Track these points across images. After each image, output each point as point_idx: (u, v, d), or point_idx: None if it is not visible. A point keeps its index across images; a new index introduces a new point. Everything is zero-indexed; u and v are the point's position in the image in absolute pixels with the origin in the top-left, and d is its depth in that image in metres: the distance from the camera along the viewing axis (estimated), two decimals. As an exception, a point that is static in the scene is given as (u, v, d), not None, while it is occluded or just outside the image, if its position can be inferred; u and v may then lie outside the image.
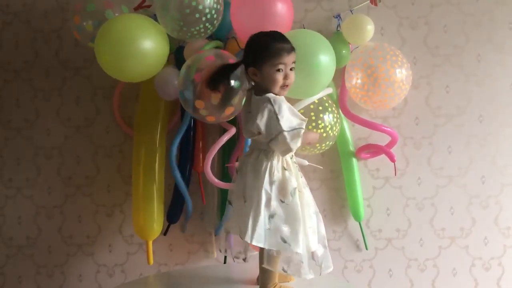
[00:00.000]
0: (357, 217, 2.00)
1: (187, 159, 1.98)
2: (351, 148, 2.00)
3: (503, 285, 2.03)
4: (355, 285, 1.58)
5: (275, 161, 1.41)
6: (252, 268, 1.57)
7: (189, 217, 2.02)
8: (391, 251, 2.04)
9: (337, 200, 2.05)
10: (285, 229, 1.36)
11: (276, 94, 1.39)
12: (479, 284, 2.03)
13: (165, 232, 2.05)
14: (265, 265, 1.39)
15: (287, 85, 1.41)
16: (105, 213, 2.11)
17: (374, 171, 2.05)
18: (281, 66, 1.39)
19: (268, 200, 1.37)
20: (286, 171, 1.41)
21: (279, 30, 1.46)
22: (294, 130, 1.36)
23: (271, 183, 1.39)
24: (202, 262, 2.08)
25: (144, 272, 2.09)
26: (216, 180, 1.86)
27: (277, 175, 1.40)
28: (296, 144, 1.37)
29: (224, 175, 2.00)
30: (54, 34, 2.12)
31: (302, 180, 1.46)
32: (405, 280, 2.04)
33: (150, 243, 1.98)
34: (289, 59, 1.39)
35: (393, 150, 1.93)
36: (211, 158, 1.86)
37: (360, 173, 2.01)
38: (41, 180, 2.13)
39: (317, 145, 1.86)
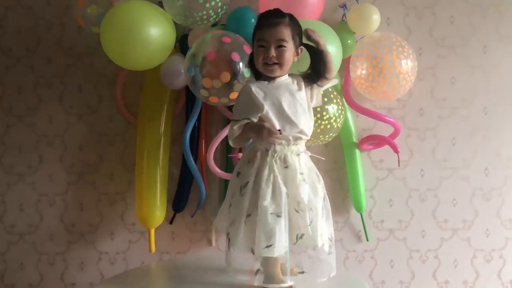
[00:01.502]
0: (358, 209, 2.00)
1: (191, 148, 1.98)
2: (354, 139, 2.00)
3: (503, 277, 2.04)
4: (356, 275, 1.58)
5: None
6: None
7: (201, 205, 2.02)
8: (393, 242, 2.05)
9: (340, 191, 2.05)
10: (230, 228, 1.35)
11: (262, 73, 1.37)
12: (480, 275, 2.04)
13: (171, 221, 2.05)
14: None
15: (271, 64, 1.34)
16: (108, 201, 2.11)
17: (378, 162, 2.04)
18: (262, 42, 1.34)
19: (229, 194, 1.38)
20: (249, 163, 1.35)
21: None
22: (234, 122, 1.34)
23: (236, 174, 1.37)
24: (204, 251, 2.09)
25: (146, 260, 2.09)
26: (219, 170, 1.86)
27: (241, 166, 1.38)
28: (229, 136, 1.36)
29: (227, 165, 2.00)
30: (57, 21, 2.10)
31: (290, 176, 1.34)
32: (406, 271, 2.05)
33: (153, 231, 1.98)
34: (270, 34, 1.33)
35: (397, 142, 1.93)
36: (214, 148, 1.85)
37: (364, 164, 2.01)
38: (43, 168, 2.12)
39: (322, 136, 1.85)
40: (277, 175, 1.32)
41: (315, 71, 1.39)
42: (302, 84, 1.40)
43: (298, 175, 1.34)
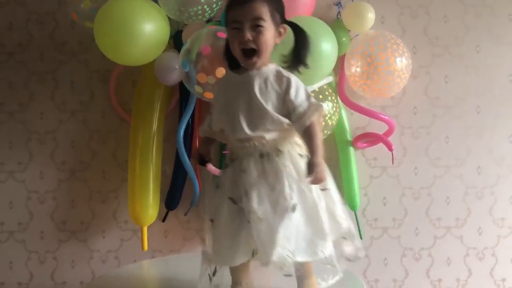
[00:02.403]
0: (352, 207, 2.00)
1: (185, 145, 1.96)
2: (349, 137, 2.00)
3: (495, 274, 2.05)
4: (352, 272, 1.58)
5: None
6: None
7: (195, 203, 2.00)
8: (387, 240, 2.05)
9: (334, 189, 2.05)
10: None
11: (242, 65, 1.21)
12: (472, 273, 2.05)
13: (163, 219, 2.03)
14: None
15: (249, 56, 1.17)
16: (100, 198, 2.09)
17: (372, 160, 2.05)
18: (235, 24, 1.16)
19: None
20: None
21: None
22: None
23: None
24: (197, 249, 2.07)
25: (138, 258, 2.07)
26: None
27: None
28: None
29: (221, 163, 1.99)
30: (50, 16, 2.07)
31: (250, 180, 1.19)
32: (400, 268, 2.05)
33: (145, 229, 1.97)
34: (244, 13, 1.15)
35: (391, 140, 1.93)
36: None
37: (358, 162, 2.01)
38: (34, 165, 2.09)
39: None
40: (226, 179, 1.21)
41: (296, 57, 1.21)
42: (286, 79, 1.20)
43: (251, 180, 1.17)
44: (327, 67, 1.73)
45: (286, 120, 1.19)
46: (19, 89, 2.08)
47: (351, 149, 1.99)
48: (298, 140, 1.24)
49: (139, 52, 1.72)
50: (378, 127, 1.97)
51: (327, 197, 1.23)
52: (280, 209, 1.15)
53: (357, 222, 2.01)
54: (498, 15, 2.03)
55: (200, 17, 1.76)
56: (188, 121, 1.92)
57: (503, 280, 2.05)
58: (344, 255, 1.24)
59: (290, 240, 1.12)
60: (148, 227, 1.98)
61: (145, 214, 1.93)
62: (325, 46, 1.68)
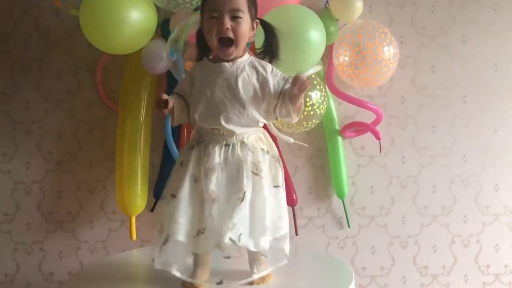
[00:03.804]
0: (340, 195, 2.02)
1: (173, 135, 1.96)
2: (337, 126, 2.01)
3: (480, 261, 2.09)
4: (340, 260, 1.59)
5: None
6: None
7: None
8: (374, 228, 2.07)
9: (322, 178, 2.06)
10: None
11: (216, 54, 1.24)
12: (458, 260, 2.09)
13: (152, 209, 2.03)
14: None
15: (227, 46, 1.20)
16: (87, 189, 2.07)
17: (359, 150, 2.06)
18: (214, 13, 1.19)
19: None
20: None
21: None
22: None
23: None
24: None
25: (126, 248, 2.05)
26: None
27: None
28: None
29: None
30: (33, 4, 2.03)
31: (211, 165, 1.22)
32: (387, 256, 2.08)
33: (133, 218, 1.96)
34: (224, 3, 1.18)
35: (378, 129, 1.95)
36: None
37: (345, 151, 2.02)
38: (19, 155, 2.07)
39: (304, 124, 1.85)
40: (191, 158, 1.25)
41: (268, 51, 1.26)
42: (264, 68, 1.25)
43: (213, 164, 1.22)
44: (315, 56, 1.73)
45: (261, 118, 1.25)
46: (3, 78, 2.05)
47: (339, 138, 2.00)
48: (262, 135, 1.30)
49: (126, 41, 1.70)
50: (366, 117, 1.98)
51: (278, 193, 1.28)
52: (234, 197, 1.20)
53: (345, 211, 2.03)
54: (484, 6, 2.05)
55: (187, 5, 1.74)
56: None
57: (488, 266, 2.09)
58: (264, 251, 1.25)
59: (237, 227, 1.17)
60: (136, 217, 1.97)
61: (133, 204, 1.92)
62: (313, 35, 1.68)
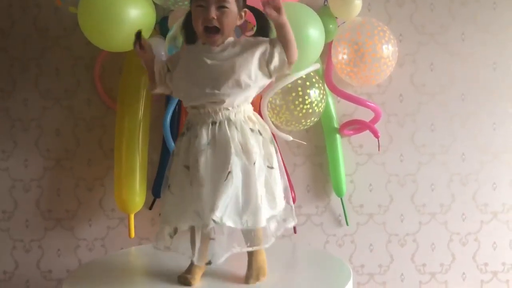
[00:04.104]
0: (339, 193, 2.02)
1: (171, 133, 1.95)
2: (335, 124, 2.01)
3: (478, 259, 2.09)
4: (338, 257, 1.60)
5: None
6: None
7: None
8: (373, 226, 2.08)
9: (321, 176, 2.06)
10: None
11: (201, 41, 1.29)
12: (456, 258, 2.09)
13: (150, 207, 2.03)
14: None
15: (213, 33, 1.24)
16: (86, 187, 2.07)
17: (358, 148, 2.06)
18: (201, 2, 1.22)
19: None
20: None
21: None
22: None
23: None
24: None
25: (125, 246, 2.06)
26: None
27: None
28: None
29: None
30: (32, 2, 2.03)
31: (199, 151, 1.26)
32: (385, 254, 2.08)
33: (132, 216, 1.96)
34: None
35: (377, 127, 1.94)
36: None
37: (344, 149, 2.02)
38: (18, 153, 2.06)
39: (304, 121, 1.85)
40: (181, 147, 1.30)
41: (261, 34, 1.30)
42: (250, 47, 1.27)
43: (201, 146, 1.25)
44: (314, 54, 1.73)
45: (251, 82, 1.26)
46: (1, 76, 2.05)
47: (338, 136, 2.00)
48: (252, 116, 1.32)
49: (124, 38, 1.68)
50: (365, 114, 1.98)
51: (270, 175, 1.30)
52: (219, 177, 1.22)
53: (344, 209, 2.03)
54: (483, 4, 2.05)
55: (186, 2, 1.73)
56: (174, 108, 1.91)
57: (486, 264, 2.10)
58: (269, 231, 1.31)
59: (219, 207, 1.21)
60: (135, 215, 1.97)
61: (132, 201, 1.92)
62: (312, 33, 1.68)
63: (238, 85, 1.25)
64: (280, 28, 1.23)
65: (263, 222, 1.26)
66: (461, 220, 2.08)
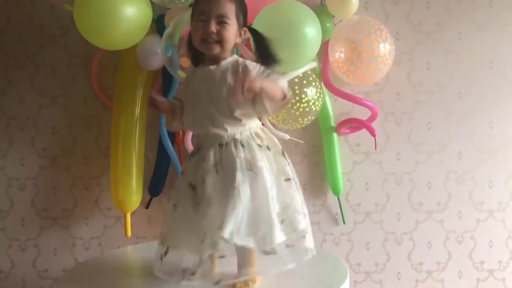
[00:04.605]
0: (335, 192, 2.02)
1: (168, 131, 1.95)
2: (332, 123, 2.01)
3: (474, 257, 2.10)
4: (335, 256, 1.60)
5: None
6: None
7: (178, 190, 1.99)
8: (369, 224, 2.08)
9: (318, 175, 2.06)
10: None
11: (200, 58, 1.30)
12: (452, 256, 2.09)
13: (147, 206, 2.02)
14: None
15: (209, 41, 1.24)
16: (82, 185, 2.06)
17: (355, 146, 2.06)
18: (202, 16, 1.24)
19: None
20: None
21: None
22: None
23: None
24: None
25: (121, 245, 2.06)
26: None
27: None
28: None
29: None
30: (28, -1, 2.03)
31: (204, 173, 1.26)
32: (382, 253, 2.09)
33: (128, 215, 1.96)
34: (212, 8, 1.23)
35: (374, 126, 1.95)
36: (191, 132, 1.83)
37: (341, 148, 2.02)
38: (14, 151, 2.05)
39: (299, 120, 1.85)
40: (190, 166, 1.30)
41: (262, 58, 1.28)
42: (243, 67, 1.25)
43: (208, 167, 1.24)
44: (311, 52, 1.73)
45: (244, 117, 1.25)
46: (-3, 73, 2.04)
47: (335, 135, 2.00)
48: (260, 132, 1.31)
49: (120, 36, 1.68)
50: (362, 113, 1.98)
51: (289, 187, 1.28)
52: (228, 195, 1.20)
53: (340, 207, 2.04)
54: (479, 2, 2.06)
55: (182, 0, 1.73)
56: (172, 107, 1.90)
57: (482, 262, 2.10)
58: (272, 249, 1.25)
59: (228, 225, 1.17)
60: (131, 214, 1.97)
61: (128, 200, 1.92)
62: (309, 31, 1.67)
63: (234, 118, 1.25)
64: (260, 94, 1.19)
65: (278, 238, 1.21)
66: (457, 219, 2.09)
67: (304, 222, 1.27)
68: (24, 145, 2.05)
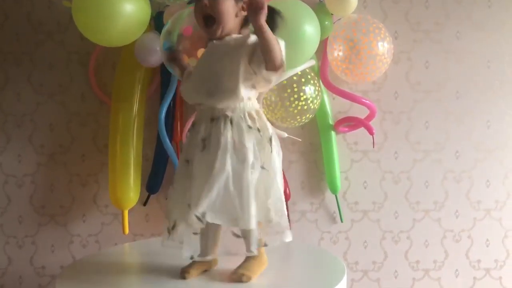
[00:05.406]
0: (333, 190, 2.02)
1: (166, 129, 1.95)
2: (330, 121, 2.01)
3: (471, 256, 2.11)
4: (333, 254, 1.60)
5: None
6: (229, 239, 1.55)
7: None
8: (367, 223, 2.08)
9: (316, 173, 2.06)
10: None
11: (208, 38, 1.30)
12: (449, 255, 2.10)
13: (144, 203, 2.02)
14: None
15: (210, 25, 1.25)
16: (79, 182, 2.06)
17: (353, 145, 2.07)
18: None
19: None
20: None
21: None
22: None
23: None
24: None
25: (119, 242, 2.05)
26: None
27: None
28: None
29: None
30: (26, -5, 2.02)
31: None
32: (379, 251, 2.09)
33: (126, 212, 1.95)
34: None
35: (372, 124, 1.95)
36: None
37: (339, 146, 2.03)
38: (11, 148, 2.05)
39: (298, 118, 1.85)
40: (186, 143, 1.33)
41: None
42: (239, 45, 1.24)
43: (198, 141, 1.27)
44: (310, 50, 1.73)
45: (240, 90, 1.23)
46: (-6, 70, 2.04)
47: (333, 133, 2.00)
48: (253, 113, 1.30)
49: (119, 33, 1.68)
50: (360, 112, 1.98)
51: (264, 177, 1.26)
52: (208, 173, 1.22)
53: (338, 205, 2.04)
54: (478, 2, 2.06)
55: (181, -3, 1.73)
56: (170, 103, 1.90)
57: (478, 261, 2.11)
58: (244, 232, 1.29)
59: (202, 203, 1.21)
60: (129, 211, 1.96)
61: (126, 198, 1.92)
62: (307, 29, 1.67)
63: (230, 92, 1.24)
64: (256, 31, 1.19)
65: (252, 225, 1.22)
66: (454, 217, 2.09)
67: (284, 214, 1.29)
68: (21, 142, 2.05)
